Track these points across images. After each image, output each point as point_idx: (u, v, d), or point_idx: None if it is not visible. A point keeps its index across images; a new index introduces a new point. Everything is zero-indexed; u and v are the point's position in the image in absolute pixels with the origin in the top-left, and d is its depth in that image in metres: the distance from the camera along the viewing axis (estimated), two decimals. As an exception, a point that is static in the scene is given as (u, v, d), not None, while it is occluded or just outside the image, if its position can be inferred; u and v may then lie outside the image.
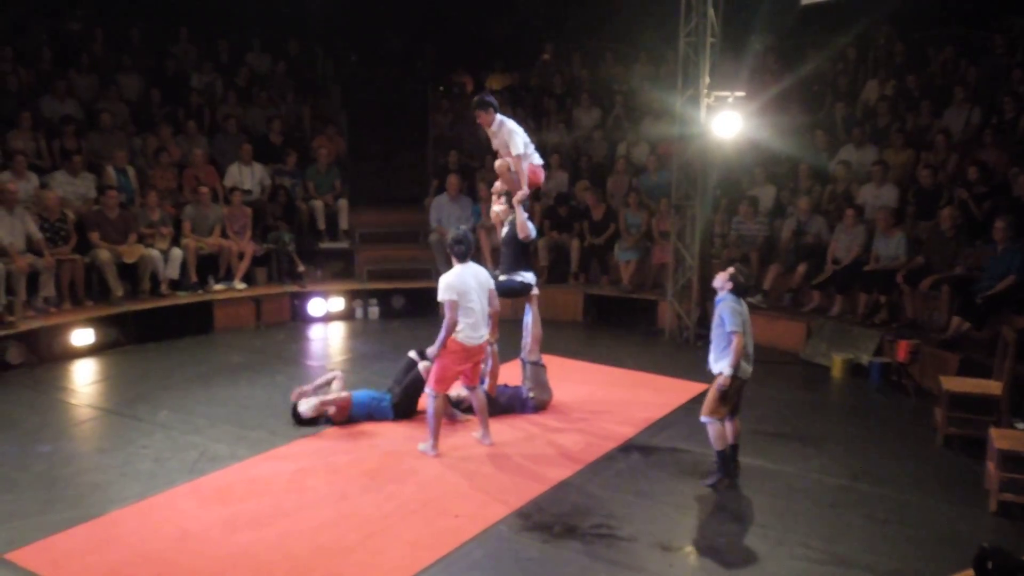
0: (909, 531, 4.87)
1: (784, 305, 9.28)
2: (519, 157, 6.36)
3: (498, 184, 6.78)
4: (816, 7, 9.22)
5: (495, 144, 6.56)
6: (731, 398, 5.32)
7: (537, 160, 6.59)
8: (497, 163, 6.66)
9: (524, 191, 6.43)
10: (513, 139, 6.35)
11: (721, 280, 5.42)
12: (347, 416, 6.33)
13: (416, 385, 6.41)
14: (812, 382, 7.92)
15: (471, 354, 5.80)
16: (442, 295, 5.68)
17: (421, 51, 14.14)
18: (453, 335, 5.68)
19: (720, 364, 5.28)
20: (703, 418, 5.36)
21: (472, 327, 5.72)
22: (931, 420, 6.52)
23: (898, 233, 8.52)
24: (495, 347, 6.43)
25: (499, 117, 6.42)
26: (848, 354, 8.06)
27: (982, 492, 5.34)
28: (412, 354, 6.56)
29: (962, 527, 4.93)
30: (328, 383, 6.61)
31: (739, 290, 5.36)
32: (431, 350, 5.88)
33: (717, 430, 5.33)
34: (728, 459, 5.42)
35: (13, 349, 7.62)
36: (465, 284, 5.71)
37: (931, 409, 6.64)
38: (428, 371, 6.09)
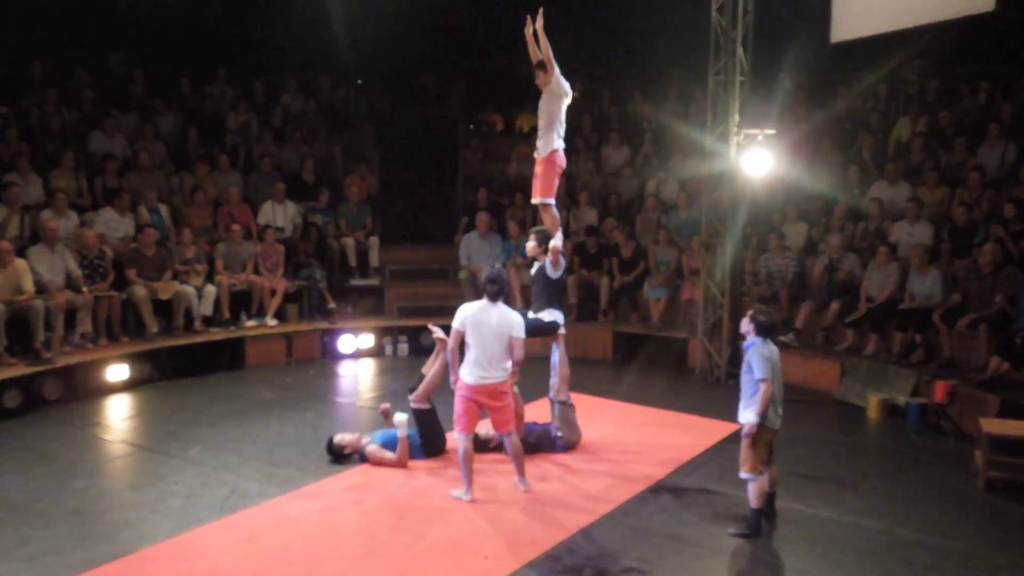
0: (951, 579, 4.73)
1: (817, 344, 9.16)
2: (567, 94, 6.66)
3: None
4: (846, 44, 9.20)
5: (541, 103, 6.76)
6: (762, 449, 5.18)
7: (558, 145, 6.71)
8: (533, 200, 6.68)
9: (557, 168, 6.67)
10: (561, 82, 6.69)
11: (744, 324, 5.33)
12: (380, 457, 6.31)
13: (424, 421, 6.42)
14: (847, 423, 7.78)
15: (475, 393, 5.58)
16: (454, 321, 5.68)
17: (452, 90, 14.35)
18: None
19: (747, 413, 5.14)
20: (743, 474, 5.21)
21: (472, 365, 5.57)
22: (971, 463, 6.37)
23: (933, 271, 8.41)
24: (515, 389, 6.17)
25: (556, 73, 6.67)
26: (884, 394, 7.92)
27: (1027, 539, 5.19)
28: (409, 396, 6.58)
29: (1007, 576, 4.78)
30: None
31: (763, 330, 5.21)
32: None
33: (759, 487, 5.18)
34: (762, 517, 5.25)
35: (50, 385, 7.74)
36: (478, 320, 5.58)
37: (971, 452, 6.48)
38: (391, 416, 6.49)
